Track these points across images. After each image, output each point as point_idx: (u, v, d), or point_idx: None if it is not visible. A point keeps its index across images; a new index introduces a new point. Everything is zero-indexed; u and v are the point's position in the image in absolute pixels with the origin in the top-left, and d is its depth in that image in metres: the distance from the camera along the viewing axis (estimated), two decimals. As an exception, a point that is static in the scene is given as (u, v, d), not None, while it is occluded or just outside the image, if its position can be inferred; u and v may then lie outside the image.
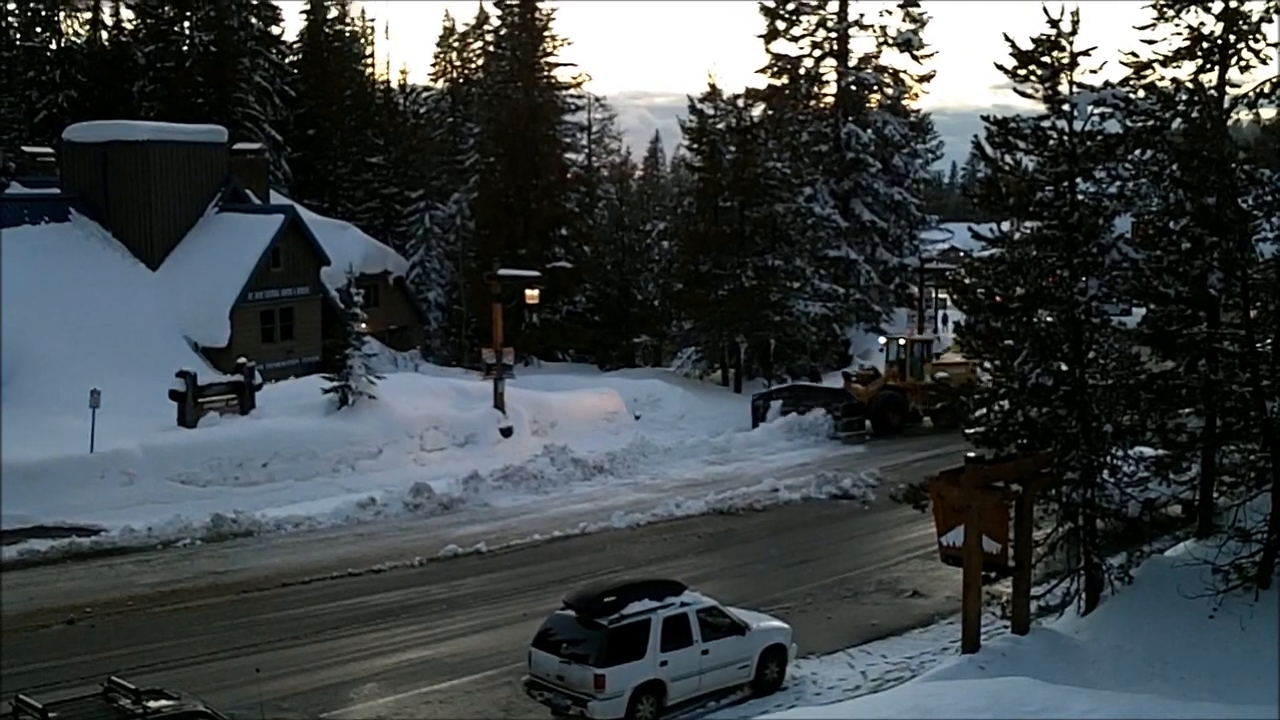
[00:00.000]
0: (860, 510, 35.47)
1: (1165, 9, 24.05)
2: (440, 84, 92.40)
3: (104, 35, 77.68)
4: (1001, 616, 23.62)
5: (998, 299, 23.63)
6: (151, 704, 15.15)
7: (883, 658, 23.43)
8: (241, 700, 18.68)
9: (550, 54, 69.74)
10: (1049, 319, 23.10)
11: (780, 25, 64.37)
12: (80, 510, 32.73)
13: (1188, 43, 24.11)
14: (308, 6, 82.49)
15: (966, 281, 25.14)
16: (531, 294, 50.25)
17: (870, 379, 48.76)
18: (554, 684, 19.99)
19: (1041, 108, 22.86)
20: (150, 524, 31.36)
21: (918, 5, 64.44)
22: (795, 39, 64.87)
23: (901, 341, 50.44)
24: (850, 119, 64.25)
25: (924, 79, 66.68)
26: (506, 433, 42.62)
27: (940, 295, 74.51)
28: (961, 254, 60.04)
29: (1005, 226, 24.66)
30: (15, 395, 40.30)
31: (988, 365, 23.98)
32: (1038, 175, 23.02)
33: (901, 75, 66.19)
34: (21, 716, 14.70)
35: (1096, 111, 22.40)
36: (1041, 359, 22.70)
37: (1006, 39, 22.85)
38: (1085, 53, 22.39)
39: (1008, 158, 23.37)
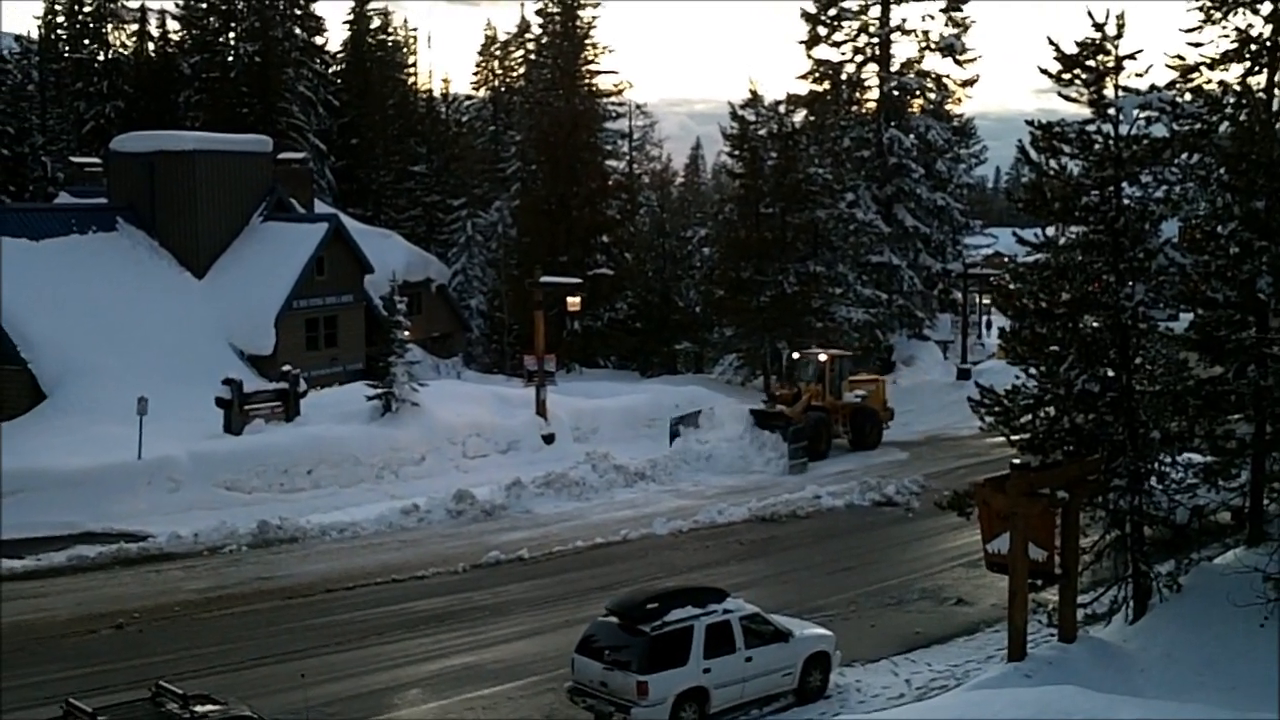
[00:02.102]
0: (904, 517, 35.29)
1: (1212, 11, 23.88)
2: (482, 92, 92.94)
3: (150, 47, 78.70)
4: (1048, 624, 23.41)
5: (1043, 304, 23.42)
6: (199, 709, 15.25)
7: (927, 666, 23.28)
8: (287, 706, 18.80)
9: (591, 62, 70.02)
10: (1095, 324, 22.89)
11: (822, 31, 64.12)
12: (128, 516, 33.08)
13: (1235, 45, 23.92)
14: (351, 17, 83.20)
15: (1011, 287, 24.93)
16: (573, 301, 50.31)
17: (792, 399, 44.48)
18: (597, 690, 19.98)
19: (1086, 111, 22.71)
20: (197, 530, 31.63)
21: (960, 10, 64.00)
22: (837, 44, 64.61)
23: (823, 358, 46.14)
24: (892, 124, 63.93)
25: (967, 83, 66.24)
26: (548, 439, 42.69)
27: (984, 301, 74.14)
28: (1006, 259, 59.62)
29: (1050, 231, 24.48)
30: (63, 403, 40.81)
31: (1033, 371, 23.75)
32: (1083, 180, 22.84)
33: (944, 80, 65.76)
34: (71, 720, 14.84)
35: (1142, 115, 22.20)
36: (1087, 365, 22.51)
37: (1050, 43, 22.71)
38: (1131, 56, 22.22)
39: (1052, 162, 23.19)
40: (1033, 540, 21.34)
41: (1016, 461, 21.84)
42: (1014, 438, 23.93)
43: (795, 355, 47.49)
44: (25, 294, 43.32)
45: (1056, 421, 23.15)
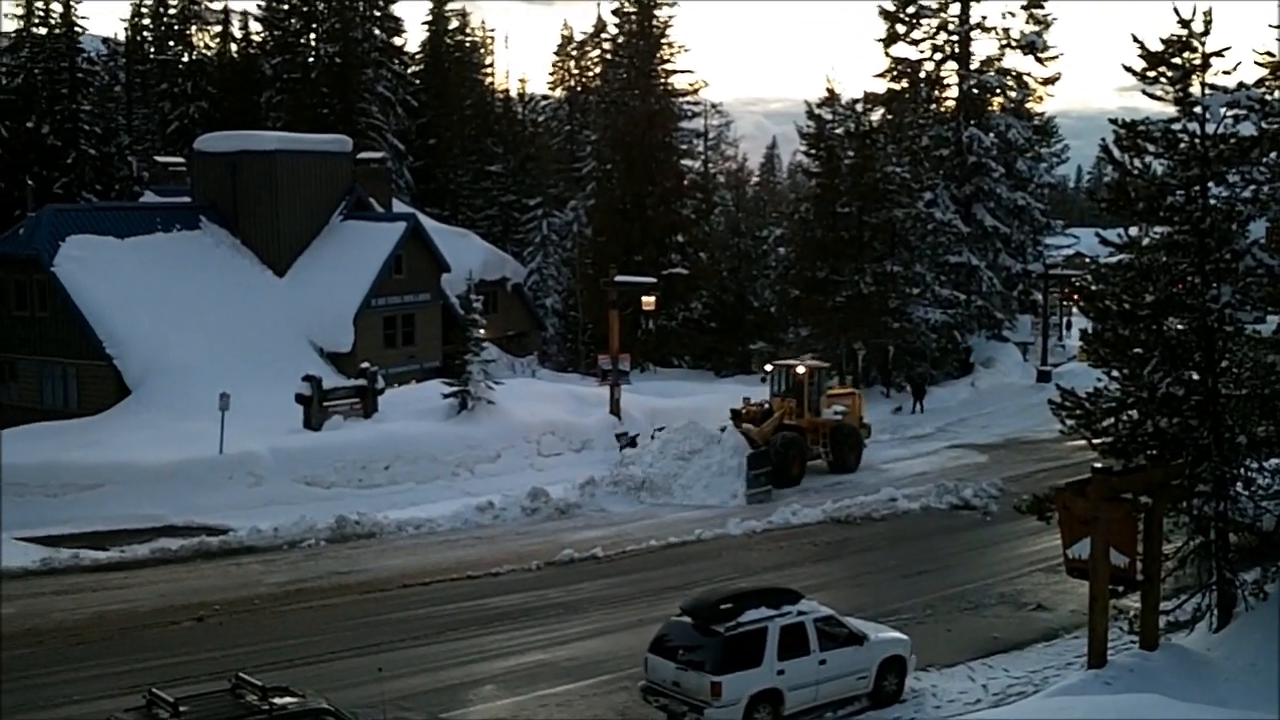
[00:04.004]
0: (982, 521, 34.89)
1: (1304, 5, 23.26)
2: (558, 92, 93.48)
3: (233, 48, 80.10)
4: (1129, 632, 23.03)
5: (1126, 306, 23.01)
6: (277, 700, 15.47)
7: (1005, 671, 22.99)
8: (363, 699, 18.96)
9: (667, 61, 70.06)
10: (1180, 327, 22.46)
11: (900, 29, 63.63)
12: (209, 510, 33.67)
13: (1328, 40, 23.30)
14: (430, 18, 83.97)
15: (1094, 288, 24.50)
16: (648, 300, 50.38)
17: (760, 416, 40.30)
18: (670, 690, 19.97)
19: (1171, 110, 22.28)
20: (276, 524, 32.10)
21: (1042, 6, 63.21)
22: (915, 42, 64.07)
23: (800, 370, 41.34)
24: (972, 122, 63.24)
25: (1048, 81, 65.36)
26: (633, 443, 42.39)
27: (1065, 302, 73.14)
28: (1087, 260, 58.77)
29: (1134, 232, 24.05)
30: (148, 398, 41.61)
31: (1115, 374, 23.36)
32: (1168, 179, 22.41)
33: (1025, 78, 64.96)
34: (154, 710, 15.08)
35: (1230, 113, 21.74)
36: (1172, 368, 22.10)
37: (1135, 40, 22.32)
38: (1218, 53, 21.76)
39: (1136, 161, 22.77)
40: (1114, 546, 21.00)
41: (1098, 465, 21.50)
42: (1095, 441, 23.54)
43: (768, 366, 43.45)
44: (111, 291, 44.22)
45: (1139, 425, 22.76)
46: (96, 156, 66.57)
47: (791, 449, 39.07)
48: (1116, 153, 22.85)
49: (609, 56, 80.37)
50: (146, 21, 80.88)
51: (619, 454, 38.96)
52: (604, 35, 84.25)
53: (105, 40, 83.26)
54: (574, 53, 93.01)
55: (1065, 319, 75.69)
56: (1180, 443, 22.28)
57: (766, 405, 41.12)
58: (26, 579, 28.08)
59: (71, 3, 68.67)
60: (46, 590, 27.29)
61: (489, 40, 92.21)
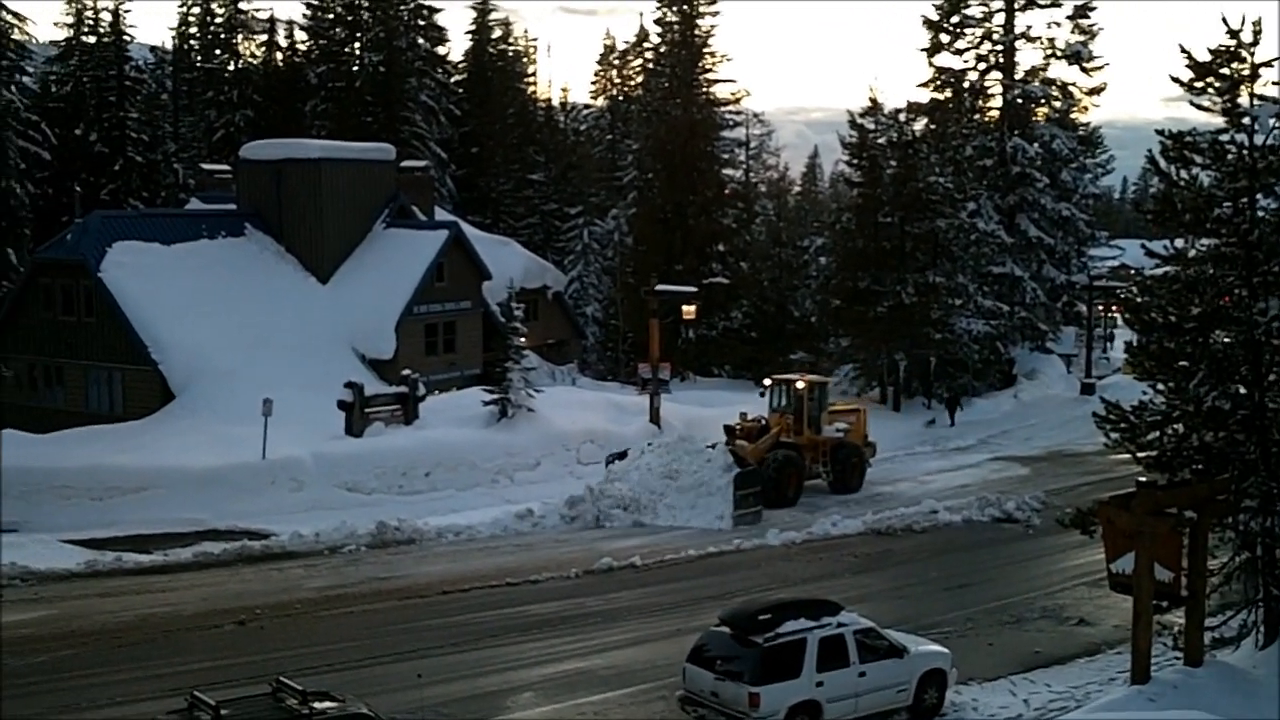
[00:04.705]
0: (1024, 534, 34.63)
1: (1356, 15, 22.96)
2: (600, 101, 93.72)
3: (279, 57, 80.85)
4: (1173, 648, 22.77)
5: (1172, 318, 22.77)
6: (318, 705, 15.52)
7: (1046, 686, 22.78)
8: (403, 705, 19.06)
9: (709, 70, 70.04)
10: (1226, 340, 22.18)
11: (944, 38, 63.32)
12: (252, 515, 33.95)
13: (1381, 51, 22.95)
14: (473, 27, 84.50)
15: (1139, 300, 24.31)
16: (688, 309, 50.38)
17: (757, 433, 38.70)
18: (708, 700, 19.92)
19: (1219, 120, 22.04)
20: (318, 530, 32.29)
21: (1088, 16, 62.74)
22: (959, 52, 63.74)
23: (799, 385, 39.49)
24: (1016, 133, 62.82)
25: (1094, 92, 64.89)
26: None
27: (1110, 314, 72.46)
28: (1133, 271, 58.29)
29: (1180, 244, 23.80)
30: (192, 403, 41.99)
31: (1161, 387, 23.12)
32: (1215, 191, 22.17)
33: (1070, 88, 64.49)
34: (196, 712, 15.19)
35: (1279, 124, 21.49)
36: (1218, 381, 21.84)
37: (1182, 50, 22.09)
38: (1268, 63, 21.52)
39: (1183, 173, 22.55)
40: (1158, 561, 20.78)
41: (1143, 480, 21.30)
42: (1140, 455, 23.31)
43: (766, 381, 41.14)
44: (156, 297, 44.67)
45: (1185, 439, 22.51)
46: (143, 163, 67.37)
47: (787, 468, 37.46)
48: (1163, 164, 22.63)
49: (651, 66, 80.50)
50: (193, 30, 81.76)
51: (605, 470, 36.87)
52: (646, 44, 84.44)
53: (153, 48, 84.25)
54: (616, 62, 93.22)
55: (1109, 331, 75.00)
56: (1226, 457, 22.01)
57: (763, 421, 39.58)
58: (71, 581, 28.41)
59: (120, 11, 69.66)
60: (90, 592, 27.59)
61: (531, 49, 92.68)
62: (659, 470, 35.74)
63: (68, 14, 70.66)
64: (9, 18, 55.01)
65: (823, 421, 39.47)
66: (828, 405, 40.30)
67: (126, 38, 70.12)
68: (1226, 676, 21.34)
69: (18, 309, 47.31)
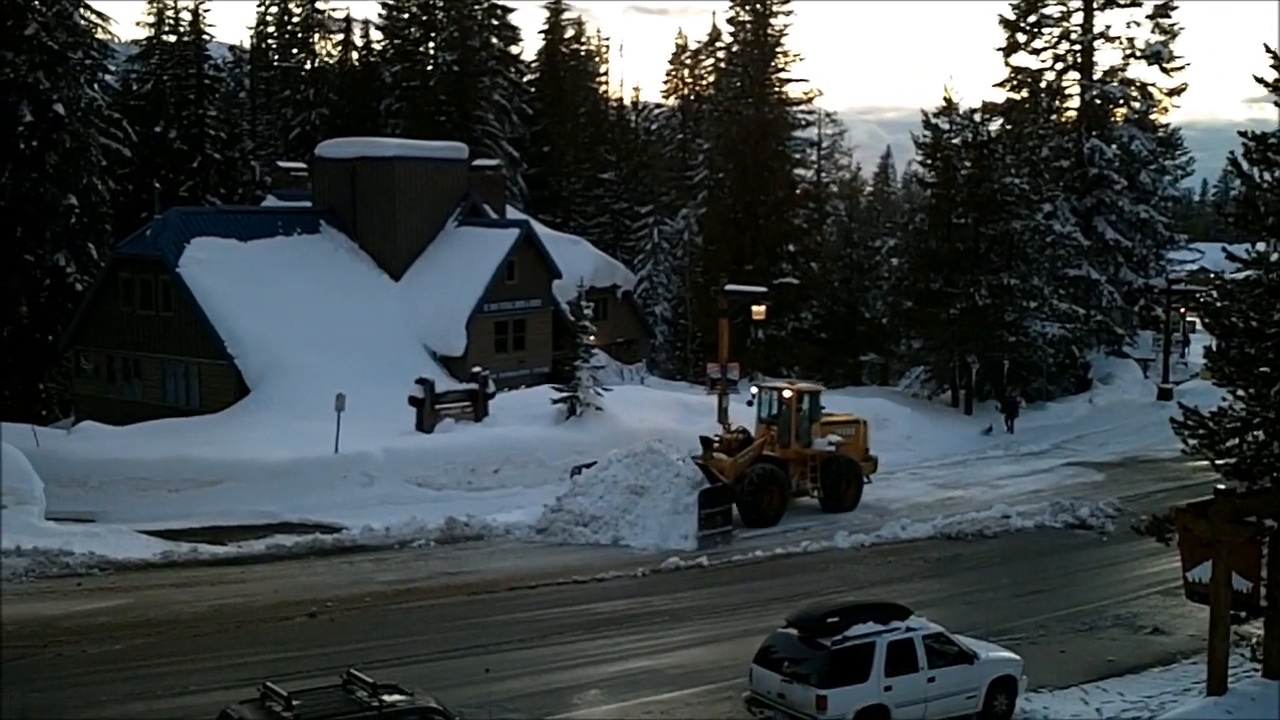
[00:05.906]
0: (1098, 541, 34.09)
1: None
2: (671, 101, 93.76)
3: (354, 56, 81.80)
4: (1251, 659, 22.38)
5: (1253, 323, 22.35)
6: (387, 698, 15.69)
7: (1119, 695, 22.43)
8: (470, 699, 19.16)
9: (782, 70, 69.76)
10: (1310, 345, 21.74)
11: (1021, 38, 62.54)
12: (323, 508, 34.36)
13: None
14: (546, 27, 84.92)
15: (1219, 305, 23.85)
16: (758, 310, 50.15)
17: (738, 445, 36.23)
18: (775, 702, 19.83)
19: (1304, 121, 21.62)
20: (388, 524, 32.59)
21: (1168, 15, 61.68)
22: (1036, 52, 62.94)
23: (786, 394, 36.50)
24: (1094, 134, 61.90)
25: (1174, 92, 63.75)
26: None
27: (1188, 318, 71.22)
28: (1212, 275, 56.99)
29: (1261, 247, 23.35)
30: (266, 398, 42.54)
31: (1241, 393, 22.68)
32: (1300, 193, 21.74)
33: (1149, 88, 63.43)
34: (268, 703, 15.39)
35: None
36: (1301, 387, 21.40)
37: (1267, 50, 21.70)
38: (1356, 63, 21.07)
39: (1266, 175, 22.15)
40: (1237, 570, 20.44)
41: (1221, 487, 20.92)
42: (1219, 462, 22.91)
43: (754, 389, 38.27)
44: (233, 292, 45.32)
45: (1265, 446, 22.08)
46: (221, 161, 68.38)
47: (768, 484, 34.74)
48: (1245, 165, 22.27)
49: (723, 65, 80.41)
50: (271, 29, 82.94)
51: (570, 482, 34.38)
52: (718, 44, 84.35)
53: (231, 48, 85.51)
54: (688, 61, 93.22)
55: (1185, 335, 73.71)
56: (1309, 465, 21.58)
57: (741, 433, 36.89)
58: (147, 571, 28.93)
59: (200, 11, 70.80)
60: (166, 583, 28.07)
61: (604, 49, 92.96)
62: (624, 484, 33.26)
63: (149, 14, 72.02)
64: (92, 18, 56.02)
65: (814, 433, 36.46)
66: (820, 416, 37.08)
67: (206, 37, 71.26)
68: (1306, 689, 20.92)
69: (98, 303, 48.22)
